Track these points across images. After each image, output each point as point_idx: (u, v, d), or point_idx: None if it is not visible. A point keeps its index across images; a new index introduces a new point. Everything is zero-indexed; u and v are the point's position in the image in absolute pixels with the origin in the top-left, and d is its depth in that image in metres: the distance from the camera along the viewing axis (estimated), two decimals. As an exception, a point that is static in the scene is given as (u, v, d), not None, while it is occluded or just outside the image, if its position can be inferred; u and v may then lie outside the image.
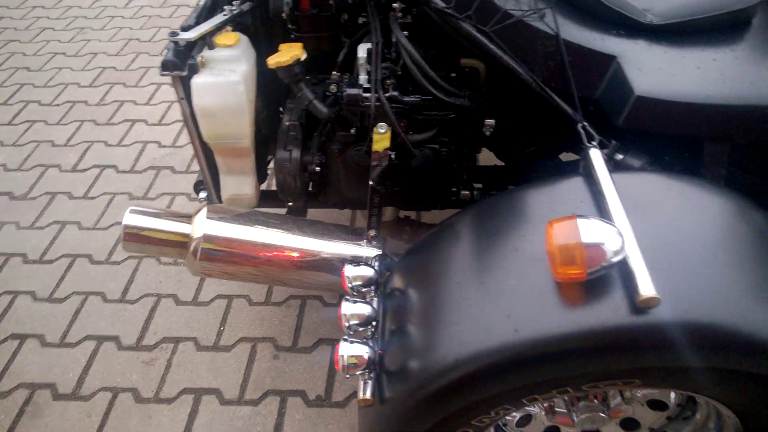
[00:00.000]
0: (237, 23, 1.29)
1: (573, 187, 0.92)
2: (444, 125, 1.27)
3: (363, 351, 0.88)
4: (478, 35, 1.07)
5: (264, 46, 1.37)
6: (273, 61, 1.18)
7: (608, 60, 1.07)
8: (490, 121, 1.27)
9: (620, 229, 0.77)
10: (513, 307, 0.79)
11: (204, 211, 1.19)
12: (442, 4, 1.07)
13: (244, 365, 1.63)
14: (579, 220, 0.74)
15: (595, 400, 1.10)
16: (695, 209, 0.88)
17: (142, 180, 2.30)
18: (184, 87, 1.18)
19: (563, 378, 0.80)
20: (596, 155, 0.93)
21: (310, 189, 1.38)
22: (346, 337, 0.90)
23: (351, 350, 0.87)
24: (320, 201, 1.43)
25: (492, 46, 1.08)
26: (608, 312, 0.74)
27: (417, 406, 0.84)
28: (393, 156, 1.24)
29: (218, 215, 1.19)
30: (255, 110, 1.26)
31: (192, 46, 1.19)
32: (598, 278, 0.75)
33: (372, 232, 1.26)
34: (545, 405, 1.11)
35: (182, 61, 1.16)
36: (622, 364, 0.77)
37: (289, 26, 1.31)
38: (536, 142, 1.38)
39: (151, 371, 1.63)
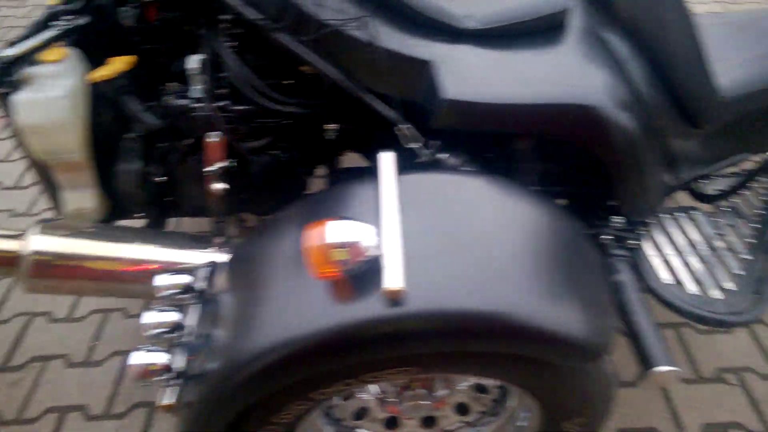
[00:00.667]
0: (74, 39, 1.28)
1: (363, 189, 0.96)
2: (282, 132, 1.29)
3: (159, 358, 0.90)
4: (295, 46, 1.10)
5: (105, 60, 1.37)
6: (95, 75, 1.18)
7: (423, 65, 1.11)
8: (333, 126, 1.30)
9: (383, 228, 0.82)
10: (287, 307, 0.83)
11: (37, 227, 1.19)
12: (256, 16, 1.09)
13: (114, 379, 1.62)
14: (330, 223, 0.79)
15: (422, 390, 1.15)
16: (474, 205, 0.94)
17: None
18: (5, 104, 1.17)
19: (341, 370, 0.84)
20: (387, 158, 0.98)
21: (165, 199, 1.39)
22: (141, 346, 0.91)
23: (144, 359, 0.89)
24: (173, 211, 1.44)
25: (310, 56, 1.11)
26: (364, 305, 0.78)
27: (210, 407, 0.86)
28: (231, 163, 1.26)
29: (53, 230, 1.19)
30: (97, 123, 1.26)
31: (16, 63, 1.18)
32: (357, 274, 0.80)
33: (218, 239, 1.28)
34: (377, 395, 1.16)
35: (2, 78, 1.15)
36: (387, 353, 0.82)
37: (135, 38, 1.32)
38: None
39: (16, 392, 1.60)
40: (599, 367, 0.97)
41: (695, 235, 1.42)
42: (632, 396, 1.54)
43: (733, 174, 1.50)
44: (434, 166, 1.16)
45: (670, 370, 1.03)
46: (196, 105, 1.20)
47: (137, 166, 1.30)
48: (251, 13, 1.09)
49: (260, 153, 1.29)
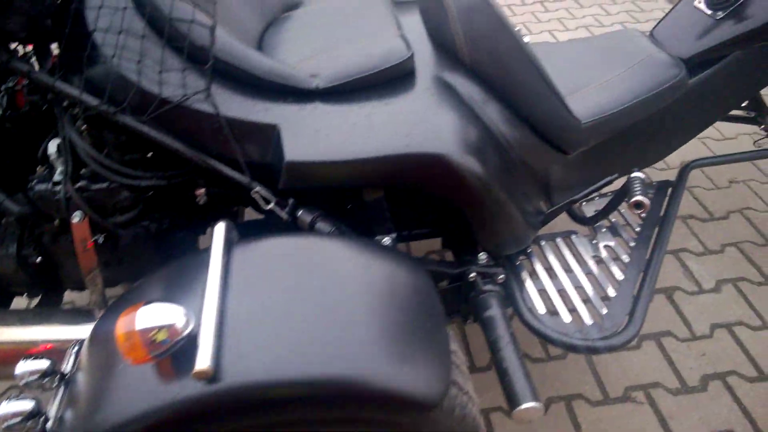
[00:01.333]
0: None
1: (197, 264, 0.97)
2: (149, 203, 1.31)
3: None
4: (138, 125, 1.12)
5: None
6: None
7: (270, 129, 1.14)
8: (201, 191, 1.32)
9: (200, 308, 0.83)
10: (113, 391, 0.84)
11: None
12: (93, 102, 1.11)
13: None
14: (141, 309, 0.80)
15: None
16: (309, 267, 0.95)
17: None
18: None
19: None
20: (219, 229, 0.99)
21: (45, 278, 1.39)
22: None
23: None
24: (57, 288, 1.44)
25: (153, 134, 1.12)
26: (177, 386, 0.79)
27: None
28: (97, 238, 1.27)
29: None
30: None
31: None
32: (177, 355, 0.81)
33: (98, 312, 1.28)
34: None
35: None
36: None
37: (7, 125, 1.33)
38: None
39: None
40: (449, 415, 0.98)
41: (573, 260, 1.45)
42: (538, 425, 1.56)
43: (608, 194, 1.53)
44: (281, 229, 1.15)
45: (532, 407, 1.05)
46: (56, 188, 1.21)
47: (13, 251, 1.31)
48: (91, 100, 1.10)
49: (129, 226, 1.30)
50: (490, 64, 1.23)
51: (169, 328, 0.81)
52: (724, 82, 1.51)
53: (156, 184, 1.24)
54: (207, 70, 1.10)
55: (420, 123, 1.15)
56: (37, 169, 1.29)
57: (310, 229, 1.19)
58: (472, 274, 1.31)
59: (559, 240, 1.51)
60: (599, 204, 1.55)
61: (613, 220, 1.56)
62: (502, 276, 1.31)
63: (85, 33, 1.11)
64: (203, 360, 0.78)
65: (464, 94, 1.23)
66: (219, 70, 1.14)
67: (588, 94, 1.40)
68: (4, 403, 0.96)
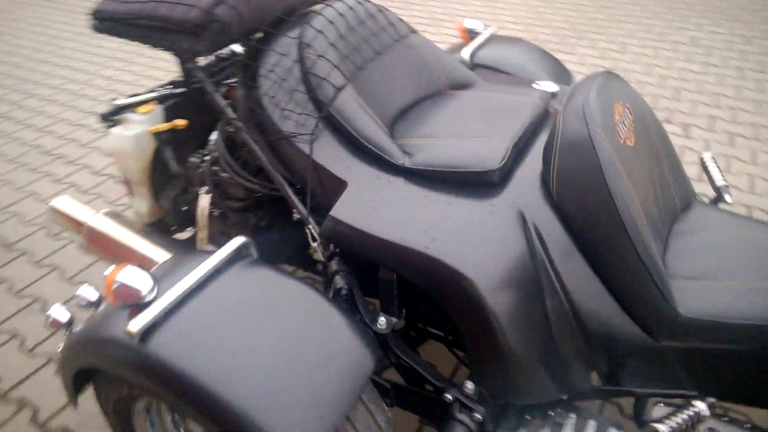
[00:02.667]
0: (169, 103, 1.59)
1: (197, 258, 1.10)
2: (258, 203, 1.49)
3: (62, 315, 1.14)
4: (250, 141, 1.31)
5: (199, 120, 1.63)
6: (151, 128, 1.52)
7: (341, 183, 1.22)
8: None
9: (169, 290, 1.00)
10: (92, 321, 1.06)
11: (103, 212, 1.51)
12: (231, 114, 1.33)
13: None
14: (129, 267, 0.99)
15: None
16: (263, 301, 1.05)
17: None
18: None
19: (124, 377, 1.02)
20: (235, 241, 1.12)
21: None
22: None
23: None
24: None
25: (257, 150, 1.30)
26: (113, 329, 0.99)
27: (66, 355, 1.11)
28: (215, 213, 1.54)
29: (111, 217, 1.49)
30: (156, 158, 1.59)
31: (122, 109, 1.55)
32: (129, 310, 0.98)
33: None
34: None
35: (110, 117, 1.54)
36: (124, 374, 1.00)
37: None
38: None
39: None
40: None
41: None
42: None
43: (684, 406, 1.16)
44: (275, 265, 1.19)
45: None
46: (201, 165, 1.48)
47: (172, 195, 1.62)
48: (229, 112, 1.32)
49: (236, 211, 1.51)
50: (575, 206, 1.12)
51: (132, 289, 0.98)
52: None
53: (254, 188, 1.42)
54: (317, 120, 1.27)
55: (451, 233, 1.11)
56: (202, 150, 1.56)
57: (331, 278, 1.24)
58: (450, 396, 1.19)
59: (586, 421, 1.20)
60: (665, 411, 1.18)
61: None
62: (479, 416, 1.17)
63: (254, 65, 1.33)
64: (136, 324, 0.94)
65: (531, 226, 1.13)
66: (332, 123, 1.28)
67: (715, 288, 1.12)
68: (56, 306, 1.16)
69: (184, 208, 1.62)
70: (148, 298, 0.99)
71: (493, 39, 1.81)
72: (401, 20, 1.54)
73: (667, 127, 2.84)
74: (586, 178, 1.10)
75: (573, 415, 1.19)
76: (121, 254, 1.43)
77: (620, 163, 1.12)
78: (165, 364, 0.94)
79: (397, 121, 1.38)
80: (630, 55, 3.56)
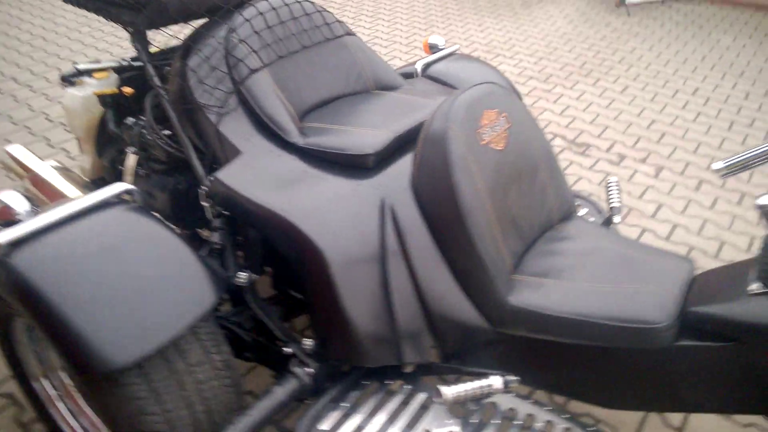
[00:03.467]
0: (126, 74, 1.75)
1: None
2: (176, 167, 1.63)
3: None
4: (170, 107, 1.49)
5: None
6: (96, 90, 1.70)
7: (237, 153, 1.36)
8: None
9: (44, 214, 1.13)
10: None
11: (50, 162, 1.78)
12: (157, 83, 1.51)
13: None
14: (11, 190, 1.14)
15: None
16: (127, 236, 1.16)
17: None
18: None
19: None
20: (116, 186, 1.25)
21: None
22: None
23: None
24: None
25: (173, 116, 1.49)
26: None
27: None
28: (140, 171, 1.68)
29: (56, 168, 1.74)
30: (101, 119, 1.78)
31: (82, 72, 1.74)
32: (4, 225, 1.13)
33: None
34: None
35: (69, 79, 1.74)
36: None
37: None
38: None
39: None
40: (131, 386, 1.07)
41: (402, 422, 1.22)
42: None
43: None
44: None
45: None
46: (134, 128, 1.65)
47: (112, 155, 1.80)
48: (156, 81, 1.51)
49: (156, 173, 1.66)
50: (427, 195, 1.24)
51: (8, 208, 1.13)
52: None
53: (169, 150, 1.56)
54: (227, 95, 1.42)
55: (313, 205, 1.23)
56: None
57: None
58: (289, 350, 1.30)
59: (418, 394, 1.27)
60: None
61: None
62: (311, 371, 1.27)
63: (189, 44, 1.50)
64: (4, 237, 1.07)
65: (389, 209, 1.24)
66: (242, 100, 1.43)
67: (551, 285, 1.21)
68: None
69: (120, 167, 1.78)
70: (21, 219, 1.13)
71: (453, 56, 1.93)
72: (340, 22, 1.67)
73: (640, 167, 2.88)
74: (437, 170, 1.21)
75: (409, 387, 1.27)
76: (52, 197, 1.59)
77: (474, 162, 1.22)
78: (21, 278, 1.05)
79: (314, 109, 1.51)
80: (626, 96, 3.60)
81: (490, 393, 1.18)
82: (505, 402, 1.24)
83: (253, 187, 1.27)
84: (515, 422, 1.21)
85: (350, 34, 1.67)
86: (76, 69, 1.73)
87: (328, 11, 1.66)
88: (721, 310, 1.04)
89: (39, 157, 1.75)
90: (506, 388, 1.18)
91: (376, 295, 1.21)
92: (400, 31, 4.46)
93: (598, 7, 5.25)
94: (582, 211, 1.80)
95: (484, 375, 1.23)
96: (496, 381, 1.18)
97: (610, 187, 1.65)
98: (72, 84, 1.74)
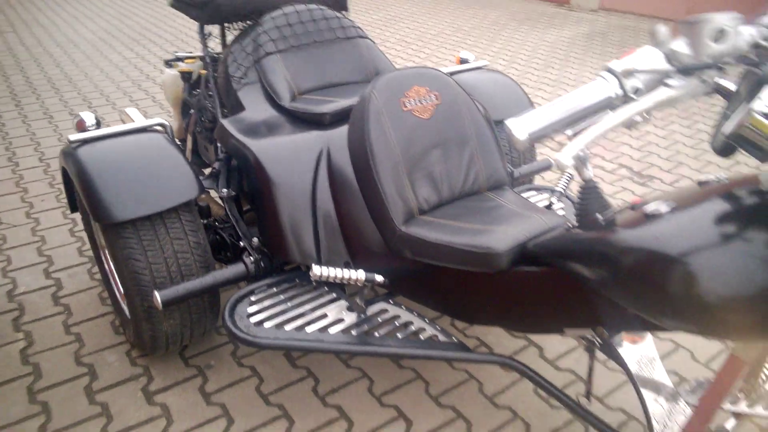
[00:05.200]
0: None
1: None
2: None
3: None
4: (211, 78, 2.08)
5: None
6: (177, 68, 2.35)
7: (242, 109, 1.83)
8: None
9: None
10: None
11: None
12: (207, 61, 2.11)
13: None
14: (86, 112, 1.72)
15: None
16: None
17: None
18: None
19: None
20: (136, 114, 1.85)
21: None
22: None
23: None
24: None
25: (211, 82, 2.06)
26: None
27: None
28: (198, 130, 2.29)
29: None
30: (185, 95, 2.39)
31: (178, 59, 2.41)
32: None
33: None
34: None
35: (169, 62, 2.44)
36: None
37: None
38: None
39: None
40: None
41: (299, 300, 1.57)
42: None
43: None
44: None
45: None
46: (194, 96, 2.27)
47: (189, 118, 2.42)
48: (207, 63, 2.11)
49: (208, 129, 2.23)
50: (351, 142, 1.58)
51: (82, 121, 1.71)
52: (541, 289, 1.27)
53: (213, 112, 2.14)
54: (246, 69, 1.93)
55: (273, 142, 1.65)
56: None
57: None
58: (242, 244, 1.71)
59: (335, 294, 1.59)
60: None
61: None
62: (252, 260, 1.64)
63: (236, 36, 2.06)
64: (74, 137, 1.64)
65: (326, 149, 1.65)
66: (257, 74, 1.91)
67: (441, 222, 1.45)
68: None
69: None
70: (88, 129, 1.71)
71: (479, 70, 2.25)
72: (356, 27, 2.10)
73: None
74: (357, 122, 1.56)
75: (326, 289, 1.60)
76: None
77: (389, 120, 1.54)
78: (78, 162, 1.59)
79: (316, 90, 1.93)
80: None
81: (351, 282, 1.47)
82: (393, 310, 1.51)
83: (241, 131, 1.72)
84: (397, 323, 1.47)
85: (363, 36, 2.08)
86: (176, 55, 2.37)
87: (346, 18, 2.10)
88: (544, 241, 1.23)
89: (145, 116, 2.39)
90: (367, 283, 1.47)
91: (305, 212, 1.59)
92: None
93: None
94: (558, 205, 1.97)
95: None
96: (360, 275, 1.46)
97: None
98: (170, 66, 2.37)
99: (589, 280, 1.06)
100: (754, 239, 0.86)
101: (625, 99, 0.96)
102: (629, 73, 0.91)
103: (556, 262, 1.18)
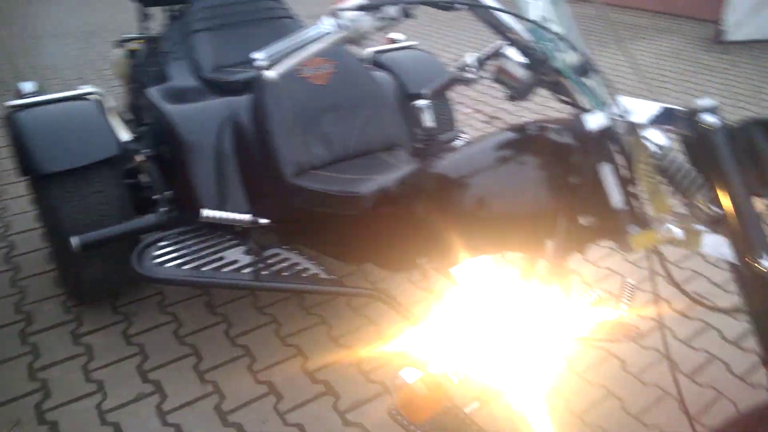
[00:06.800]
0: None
1: None
2: None
3: None
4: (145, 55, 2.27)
5: None
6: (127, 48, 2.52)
7: (168, 79, 2.05)
8: None
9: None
10: None
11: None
12: (148, 42, 2.32)
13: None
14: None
15: None
16: None
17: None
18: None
19: None
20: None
21: None
22: None
23: None
24: None
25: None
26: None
27: None
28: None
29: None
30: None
31: (127, 40, 2.54)
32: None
33: None
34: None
35: (120, 43, 2.56)
36: None
37: None
38: None
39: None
40: None
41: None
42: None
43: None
44: None
45: None
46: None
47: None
48: (141, 41, 2.32)
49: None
50: (253, 107, 1.75)
51: (20, 89, 1.88)
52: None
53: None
54: (177, 45, 2.12)
55: (190, 107, 1.82)
56: None
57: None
58: (157, 196, 1.81)
59: (230, 238, 1.72)
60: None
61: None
62: (162, 212, 1.79)
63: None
64: (12, 102, 1.81)
65: (232, 114, 1.80)
66: (186, 50, 2.10)
67: (326, 175, 1.63)
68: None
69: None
70: (26, 97, 1.88)
71: (407, 49, 2.41)
72: (284, 8, 2.27)
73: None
74: (257, 88, 1.73)
75: (229, 237, 1.76)
76: None
77: (285, 86, 1.70)
78: (15, 124, 1.75)
79: (241, 63, 2.10)
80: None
81: (236, 224, 1.62)
82: (285, 254, 1.68)
83: (160, 99, 1.89)
84: (286, 264, 1.64)
85: (290, 17, 2.25)
86: (123, 37, 2.53)
87: (278, 1, 2.27)
88: (393, 181, 1.38)
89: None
90: (253, 224, 1.63)
91: (211, 168, 1.76)
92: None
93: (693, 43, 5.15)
94: None
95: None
96: (246, 217, 1.62)
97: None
98: (121, 46, 2.54)
99: (421, 211, 1.22)
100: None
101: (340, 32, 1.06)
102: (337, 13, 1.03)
103: (403, 201, 1.33)
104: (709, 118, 0.84)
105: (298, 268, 1.63)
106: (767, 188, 0.84)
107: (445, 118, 2.25)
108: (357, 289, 1.56)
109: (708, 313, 1.97)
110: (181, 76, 2.01)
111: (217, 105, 1.83)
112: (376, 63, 2.23)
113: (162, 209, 1.80)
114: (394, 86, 2.04)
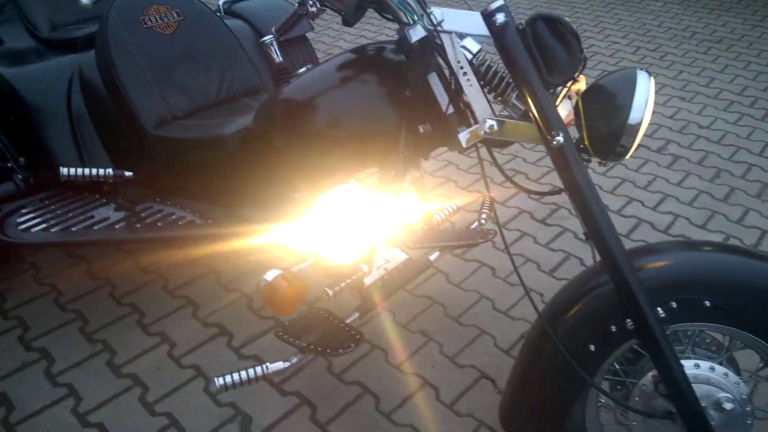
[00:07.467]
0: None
1: None
2: None
3: None
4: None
5: None
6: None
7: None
8: None
9: None
10: None
11: None
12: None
13: None
14: None
15: None
16: None
17: None
18: None
19: None
20: None
21: None
22: None
23: None
24: None
25: None
26: None
27: None
28: None
29: None
30: None
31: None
32: None
33: None
34: None
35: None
36: None
37: None
38: None
39: None
40: None
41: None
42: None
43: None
44: None
45: None
46: None
47: None
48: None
49: None
50: (98, 61, 1.72)
51: None
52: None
53: None
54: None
55: (28, 70, 1.79)
56: None
57: None
58: (9, 164, 1.76)
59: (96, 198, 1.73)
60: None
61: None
62: (19, 178, 1.73)
63: None
64: None
65: (77, 69, 1.81)
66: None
67: (186, 123, 1.65)
68: None
69: None
70: None
71: None
72: None
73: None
74: (99, 43, 1.66)
75: (97, 197, 1.75)
76: None
77: (130, 37, 1.66)
78: None
79: (80, 21, 2.04)
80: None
81: (100, 179, 1.62)
82: (157, 206, 1.70)
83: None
84: (159, 215, 1.67)
85: None
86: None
87: None
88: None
89: None
90: (117, 178, 1.63)
91: (64, 128, 1.75)
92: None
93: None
94: None
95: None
96: (109, 171, 1.62)
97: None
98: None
99: (280, 141, 1.28)
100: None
101: None
102: None
103: (263, 135, 1.39)
104: (500, 18, 0.97)
105: (172, 217, 1.65)
106: (557, 77, 0.99)
107: (309, 59, 2.31)
108: (233, 228, 1.61)
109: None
110: (15, 38, 1.94)
111: (61, 63, 1.81)
112: (229, 12, 2.24)
113: (18, 176, 1.75)
114: (249, 33, 2.06)
